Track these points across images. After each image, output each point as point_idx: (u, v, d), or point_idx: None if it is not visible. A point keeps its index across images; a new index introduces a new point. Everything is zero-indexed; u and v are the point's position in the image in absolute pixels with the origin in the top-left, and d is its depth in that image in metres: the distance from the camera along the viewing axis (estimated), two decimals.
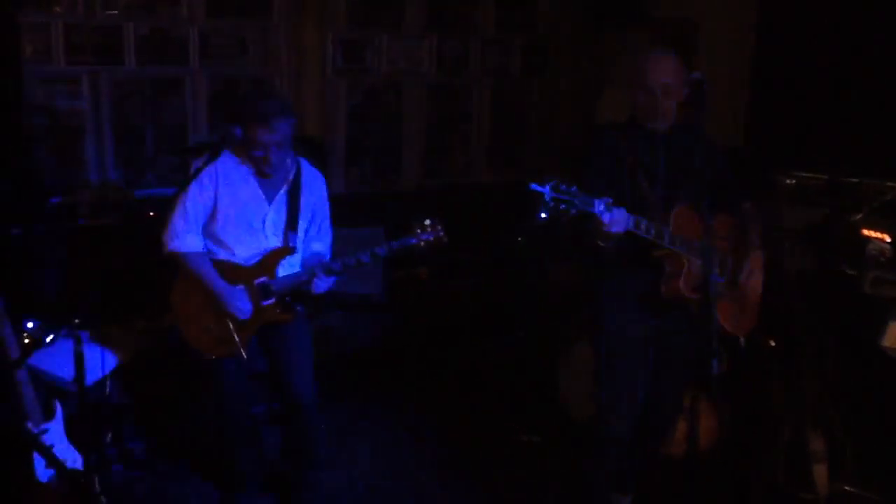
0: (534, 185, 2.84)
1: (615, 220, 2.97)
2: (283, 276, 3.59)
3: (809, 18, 5.52)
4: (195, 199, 3.52)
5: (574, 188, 2.86)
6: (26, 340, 3.97)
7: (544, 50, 7.27)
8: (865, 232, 4.14)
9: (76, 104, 5.32)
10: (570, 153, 7.26)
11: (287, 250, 3.60)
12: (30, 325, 4.13)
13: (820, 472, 3.89)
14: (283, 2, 5.93)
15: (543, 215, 2.84)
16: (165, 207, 3.61)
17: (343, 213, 3.91)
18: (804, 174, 4.62)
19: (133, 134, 5.57)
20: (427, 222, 3.54)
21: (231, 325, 3.55)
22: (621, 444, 3.62)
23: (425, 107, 6.79)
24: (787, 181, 4.60)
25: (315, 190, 3.71)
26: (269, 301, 3.58)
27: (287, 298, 3.63)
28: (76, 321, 3.08)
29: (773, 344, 4.27)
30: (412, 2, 6.51)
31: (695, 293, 3.27)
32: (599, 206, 2.92)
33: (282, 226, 3.61)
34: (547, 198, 2.82)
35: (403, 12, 6.50)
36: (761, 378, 4.38)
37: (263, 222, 3.58)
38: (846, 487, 3.93)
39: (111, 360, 4.14)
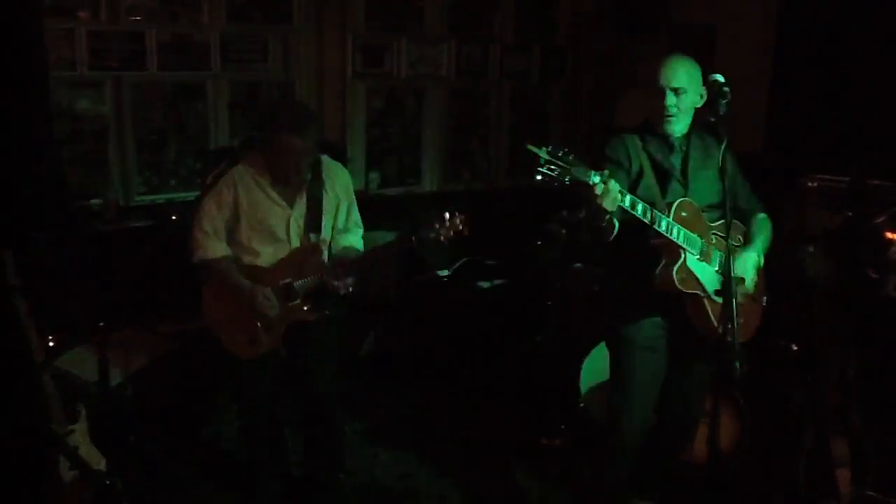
0: (530, 147, 2.84)
1: (608, 193, 2.94)
2: (307, 276, 3.60)
3: (829, 19, 5.49)
4: (213, 210, 3.53)
5: (571, 156, 2.85)
6: (51, 343, 4.02)
7: (564, 54, 7.28)
8: (888, 235, 4.11)
9: (99, 109, 5.38)
10: (590, 158, 7.26)
11: (309, 250, 3.61)
12: (53, 328, 4.20)
13: (842, 477, 3.86)
14: (304, 7, 5.97)
15: (538, 177, 2.84)
16: (187, 212, 3.65)
17: (363, 216, 3.91)
18: (826, 177, 4.59)
19: (155, 139, 5.63)
20: (446, 215, 3.54)
21: (258, 327, 3.58)
22: (635, 448, 3.61)
23: (445, 111, 6.81)
24: (809, 184, 4.57)
25: (338, 182, 3.70)
26: (294, 301, 3.61)
27: (312, 298, 3.65)
28: (100, 325, 3.11)
29: (794, 348, 4.25)
30: (432, 6, 6.53)
31: (685, 286, 3.25)
32: (594, 178, 2.91)
33: (304, 226, 3.62)
34: (542, 160, 2.83)
35: (423, 16, 6.53)
36: (783, 383, 4.36)
37: (287, 227, 3.59)
38: (868, 493, 3.90)
39: (135, 363, 4.18)
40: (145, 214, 5.48)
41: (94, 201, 5.33)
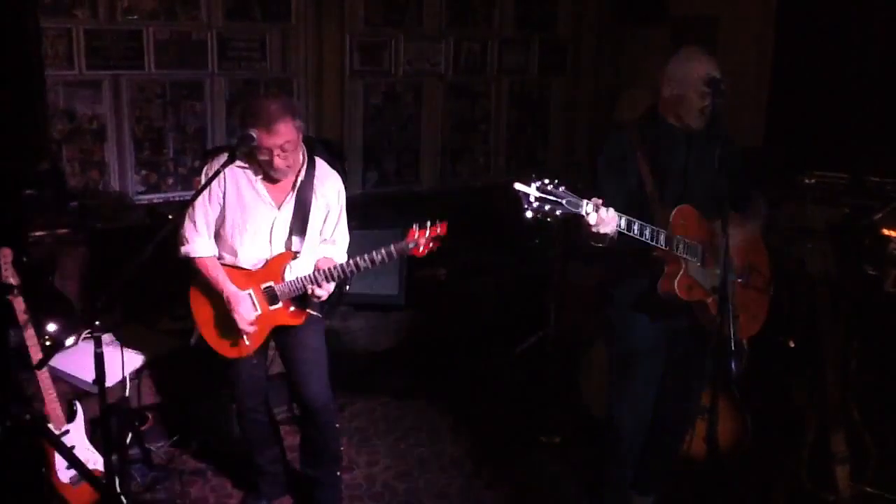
0: (518, 186, 2.76)
1: (603, 221, 2.91)
2: (289, 281, 3.57)
3: (830, 14, 5.48)
4: (204, 205, 3.52)
5: (561, 188, 2.78)
6: (48, 342, 4.03)
7: (564, 49, 7.26)
8: (886, 231, 4.11)
9: (97, 108, 5.38)
10: (591, 153, 7.26)
11: (291, 254, 3.57)
12: (51, 327, 4.20)
13: (842, 473, 3.86)
14: (302, 4, 5.96)
15: (528, 215, 2.77)
16: (184, 211, 3.64)
17: (361, 213, 3.91)
18: (824, 173, 4.59)
19: (153, 137, 5.62)
20: (416, 226, 3.47)
21: (242, 329, 3.56)
22: (635, 446, 3.61)
23: (444, 107, 6.80)
24: (807, 181, 4.57)
25: (328, 190, 3.63)
26: (277, 305, 3.59)
27: (295, 302, 3.63)
28: (96, 323, 3.10)
29: (792, 345, 4.25)
30: (430, 2, 6.52)
31: (689, 294, 3.24)
32: (586, 207, 2.86)
33: (289, 230, 3.58)
34: (532, 198, 2.75)
35: (422, 13, 6.51)
36: (783, 379, 4.36)
37: (271, 228, 3.55)
38: (868, 489, 3.90)
39: (133, 362, 4.17)
40: (143, 213, 5.47)
41: (92, 200, 5.33)
